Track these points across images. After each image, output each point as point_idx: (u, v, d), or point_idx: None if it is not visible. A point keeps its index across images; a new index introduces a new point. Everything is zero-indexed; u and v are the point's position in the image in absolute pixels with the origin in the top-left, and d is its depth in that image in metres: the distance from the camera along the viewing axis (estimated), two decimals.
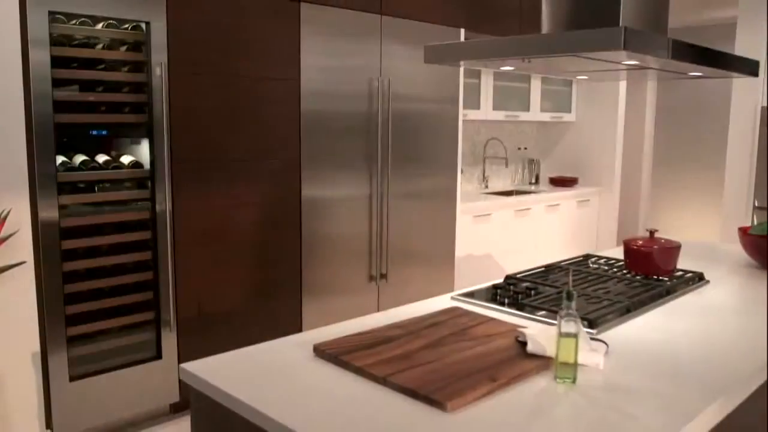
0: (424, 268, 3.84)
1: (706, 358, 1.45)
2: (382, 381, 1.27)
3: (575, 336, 1.29)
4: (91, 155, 2.65)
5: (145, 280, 2.75)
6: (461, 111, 3.96)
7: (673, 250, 2.11)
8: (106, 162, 2.65)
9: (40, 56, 2.36)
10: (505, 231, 4.47)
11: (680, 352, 1.48)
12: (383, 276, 3.61)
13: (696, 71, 1.95)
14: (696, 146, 6.26)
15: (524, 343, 1.45)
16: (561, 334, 1.29)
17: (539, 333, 1.45)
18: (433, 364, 1.34)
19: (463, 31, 3.89)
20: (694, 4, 5.46)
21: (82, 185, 2.61)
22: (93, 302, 2.61)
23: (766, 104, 3.91)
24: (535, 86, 5.05)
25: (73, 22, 2.49)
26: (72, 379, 2.55)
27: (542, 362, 1.36)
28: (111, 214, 2.65)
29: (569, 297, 1.28)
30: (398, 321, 1.64)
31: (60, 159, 2.54)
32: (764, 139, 3.88)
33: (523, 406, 1.20)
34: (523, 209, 4.59)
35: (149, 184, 2.73)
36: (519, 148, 5.47)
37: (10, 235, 2.33)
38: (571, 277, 1.41)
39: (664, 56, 1.40)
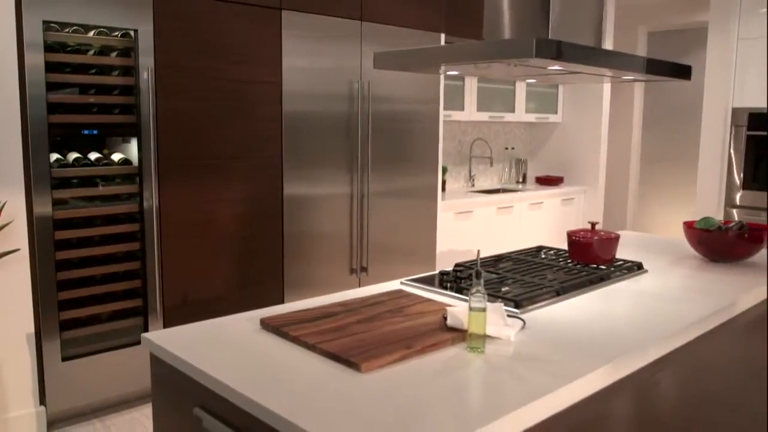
0: (405, 262, 4.02)
1: (611, 333, 1.62)
2: (312, 347, 1.46)
3: (483, 310, 1.46)
4: (84, 153, 2.86)
5: (133, 270, 2.96)
6: (441, 112, 4.14)
7: (611, 240, 2.28)
8: (97, 159, 2.86)
9: (35, 62, 2.58)
10: (486, 228, 4.64)
11: (591, 329, 1.65)
12: (364, 269, 3.80)
13: (628, 75, 2.12)
14: (682, 145, 6.38)
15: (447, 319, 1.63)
16: (471, 309, 1.47)
17: (463, 310, 1.62)
18: (362, 335, 1.53)
19: (443, 35, 4.07)
20: (669, 10, 5.60)
21: (75, 180, 2.83)
22: (84, 289, 2.82)
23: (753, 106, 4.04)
24: (521, 88, 5.21)
25: (67, 30, 2.70)
26: (64, 359, 2.76)
27: (459, 335, 1.54)
28: (101, 207, 2.86)
29: (478, 276, 1.46)
30: (344, 300, 1.83)
31: (54, 156, 2.75)
32: (741, 139, 4.03)
33: (431, 369, 1.38)
34: (505, 207, 4.76)
35: (137, 179, 2.93)
36: (506, 148, 5.63)
37: (6, 225, 2.54)
38: (479, 258, 1.58)
39: (550, 56, 1.57)
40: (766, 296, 2.05)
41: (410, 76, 3.91)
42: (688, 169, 6.41)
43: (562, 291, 1.96)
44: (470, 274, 2.14)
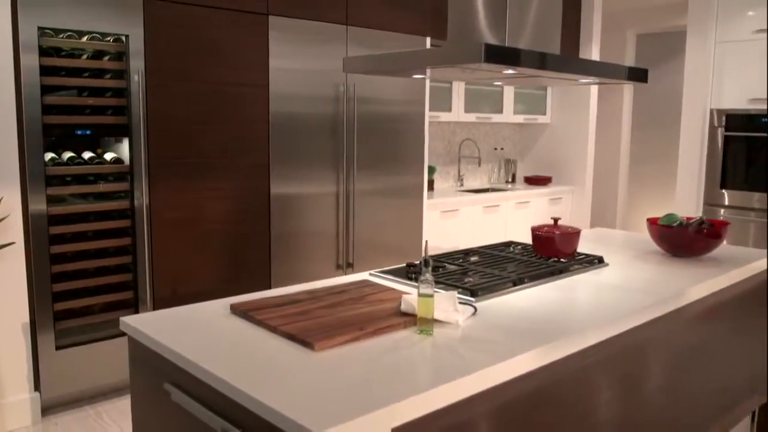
0: (391, 259, 4.15)
1: (556, 319, 1.74)
2: (274, 329, 1.59)
3: (431, 296, 1.59)
4: (79, 152, 3.01)
5: (124, 263, 3.10)
6: (427, 113, 4.26)
7: (572, 235, 2.40)
8: (91, 158, 3.00)
9: (30, 66, 2.72)
10: (472, 226, 4.76)
11: (538, 316, 1.78)
12: (350, 265, 3.93)
13: (585, 78, 2.24)
14: (671, 146, 6.49)
15: None
16: (420, 295, 1.59)
17: (416, 297, 1.75)
18: (321, 319, 1.66)
19: (429, 39, 4.20)
20: (657, 13, 5.72)
21: (69, 178, 2.97)
22: (78, 281, 2.96)
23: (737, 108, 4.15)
24: (509, 89, 5.33)
25: (61, 35, 2.85)
26: (58, 348, 2.90)
27: (411, 319, 1.67)
28: (95, 203, 3.00)
29: (426, 264, 1.59)
30: (312, 289, 1.96)
31: (50, 155, 2.90)
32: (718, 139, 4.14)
33: (380, 348, 1.50)
34: (491, 206, 4.88)
35: (129, 177, 3.08)
36: (495, 149, 5.76)
37: (2, 220, 2.68)
38: (427, 248, 1.71)
39: (478, 60, 1.70)
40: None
41: (396, 78, 4.04)
42: (676, 169, 6.51)
43: (518, 281, 2.08)
44: (435, 266, 2.26)
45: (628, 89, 6.39)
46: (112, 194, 3.08)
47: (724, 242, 2.53)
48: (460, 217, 4.66)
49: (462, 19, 2.14)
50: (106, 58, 2.99)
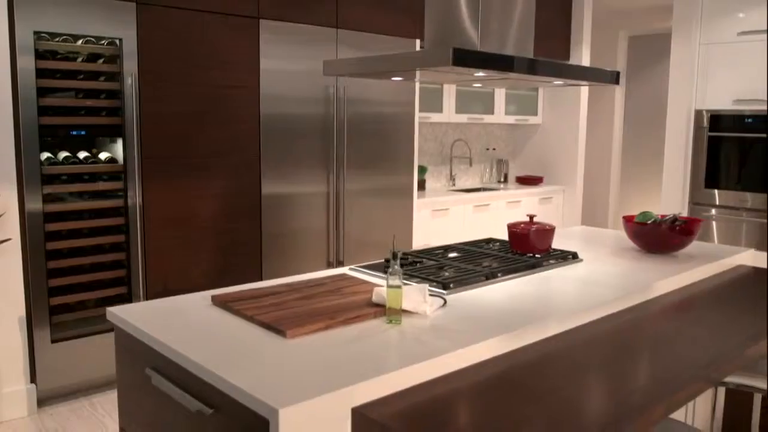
0: (381, 256, 4.24)
1: (519, 311, 1.83)
2: (250, 318, 1.68)
3: (399, 288, 1.68)
4: (75, 152, 3.11)
5: (118, 260, 3.19)
6: (417, 114, 4.35)
7: (547, 231, 2.49)
8: (85, 158, 3.10)
9: (27, 68, 2.82)
10: (462, 225, 4.84)
11: (506, 307, 1.86)
12: (340, 263, 4.02)
13: (556, 80, 2.33)
14: (662, 145, 6.56)
15: None
16: (388, 287, 1.68)
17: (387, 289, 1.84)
18: (296, 309, 1.75)
19: (418, 41, 4.29)
20: (648, 15, 5.79)
21: (64, 177, 3.07)
22: (73, 277, 3.06)
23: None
24: (500, 90, 5.42)
25: (57, 39, 2.95)
26: (54, 341, 3.00)
27: (382, 309, 1.76)
28: (89, 201, 3.10)
29: (394, 257, 1.68)
30: (291, 282, 2.05)
31: (46, 155, 3.00)
32: (702, 140, 4.21)
33: (349, 336, 1.59)
34: (481, 205, 4.96)
35: (122, 177, 3.17)
36: (487, 149, 5.84)
37: None
38: (394, 241, 1.80)
39: (447, 63, 1.79)
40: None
41: (386, 80, 4.13)
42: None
43: (491, 276, 2.17)
44: (411, 261, 2.35)
45: (620, 90, 6.46)
46: (106, 193, 3.17)
47: (696, 240, 2.61)
48: (450, 216, 4.74)
49: (440, 22, 2.23)
50: (101, 60, 3.09)
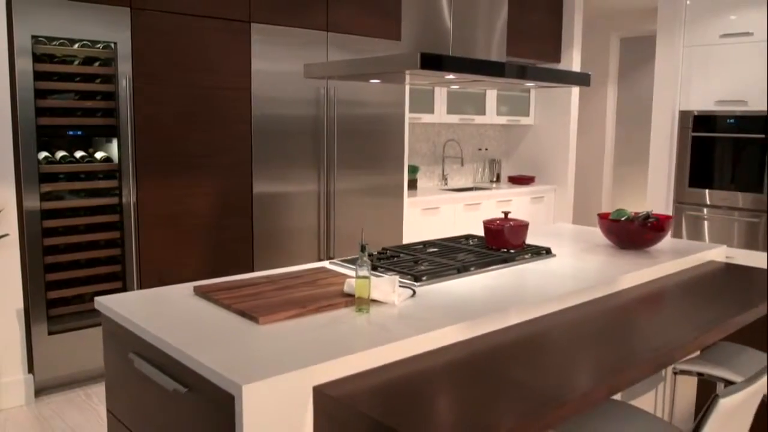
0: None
1: (484, 301, 1.93)
2: (227, 307, 1.79)
3: (367, 278, 1.78)
4: (72, 151, 3.23)
5: (114, 255, 3.31)
6: (407, 115, 4.46)
7: (520, 227, 2.59)
8: (82, 157, 3.22)
9: (25, 71, 2.94)
10: (453, 223, 4.95)
11: (472, 298, 1.97)
12: (330, 258, 4.13)
13: (528, 82, 2.43)
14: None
15: None
16: (357, 277, 1.79)
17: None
18: (272, 299, 1.85)
19: None
20: (639, 18, 5.89)
21: (61, 176, 3.18)
22: (69, 272, 3.17)
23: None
24: (491, 92, 5.52)
25: (54, 43, 3.07)
26: (50, 333, 3.12)
27: (353, 299, 1.86)
28: (85, 199, 3.22)
29: (363, 249, 1.78)
30: (270, 274, 2.15)
31: (44, 154, 3.12)
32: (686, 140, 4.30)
33: (318, 323, 1.70)
34: (472, 204, 5.06)
35: (117, 175, 3.29)
36: (480, 149, 5.94)
37: None
38: (363, 234, 1.90)
39: (414, 66, 1.89)
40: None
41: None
42: None
43: (463, 269, 2.27)
44: (389, 255, 2.46)
45: (612, 90, 6.55)
46: (102, 191, 3.29)
47: (669, 236, 2.70)
48: (440, 215, 4.84)
49: (415, 26, 2.34)
50: (96, 63, 3.21)
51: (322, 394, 1.39)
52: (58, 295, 3.14)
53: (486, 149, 6.01)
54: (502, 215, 5.15)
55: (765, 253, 3.23)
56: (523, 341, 1.73)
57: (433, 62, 1.93)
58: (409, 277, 2.15)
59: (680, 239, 3.13)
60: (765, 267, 2.73)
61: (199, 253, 3.53)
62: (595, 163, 6.69)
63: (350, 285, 1.91)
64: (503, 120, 5.67)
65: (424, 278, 2.14)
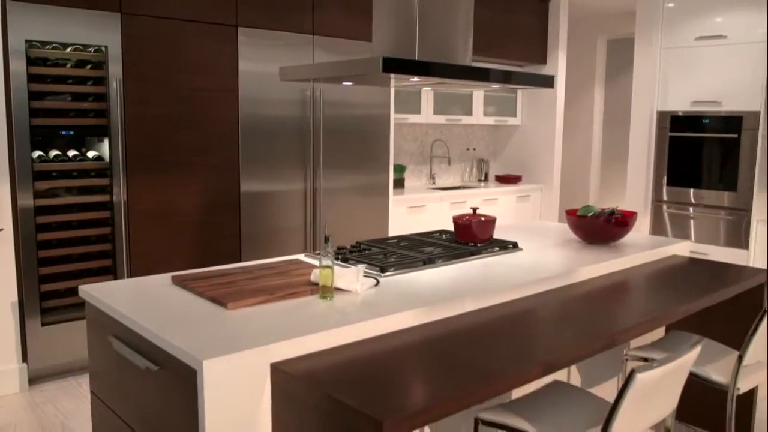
0: None
1: (441, 290, 2.06)
2: (200, 294, 1.92)
3: (330, 268, 1.91)
4: (64, 150, 3.36)
5: (105, 250, 3.45)
6: (393, 116, 4.59)
7: (488, 222, 2.71)
8: (74, 156, 3.36)
9: (19, 74, 3.08)
10: (438, 221, 5.07)
11: (431, 287, 2.09)
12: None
13: (493, 84, 2.56)
14: None
15: None
16: (321, 267, 1.92)
17: None
18: (243, 287, 1.98)
19: None
20: (625, 20, 6.01)
21: (55, 174, 3.32)
22: (62, 266, 3.31)
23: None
24: (478, 92, 5.64)
25: (47, 47, 3.21)
26: (44, 325, 3.26)
27: (318, 287, 1.99)
28: (78, 196, 3.36)
29: (326, 241, 1.91)
30: (246, 265, 2.29)
31: (38, 153, 3.26)
32: (663, 140, 4.42)
33: (283, 308, 1.83)
34: (458, 202, 5.19)
35: (108, 173, 3.43)
36: (468, 149, 6.07)
37: None
38: (326, 227, 2.03)
39: (377, 70, 2.02)
40: None
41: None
42: None
43: (428, 261, 2.40)
44: (362, 249, 2.59)
45: (599, 91, 6.67)
46: (93, 188, 3.43)
47: (632, 231, 2.82)
48: (426, 213, 4.97)
49: (383, 31, 2.47)
50: (88, 66, 3.35)
51: (279, 371, 1.52)
52: (51, 288, 3.28)
53: (474, 149, 6.14)
54: (487, 212, 5.28)
55: (728, 249, 3.34)
56: (476, 326, 1.85)
57: (395, 66, 2.06)
58: (376, 268, 2.28)
59: (657, 236, 3.25)
60: (730, 262, 2.86)
61: (187, 249, 3.67)
62: (583, 162, 6.81)
63: (316, 274, 2.04)
64: (490, 120, 5.80)
65: (389, 269, 2.27)
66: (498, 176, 6.02)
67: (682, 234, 4.44)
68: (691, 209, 4.41)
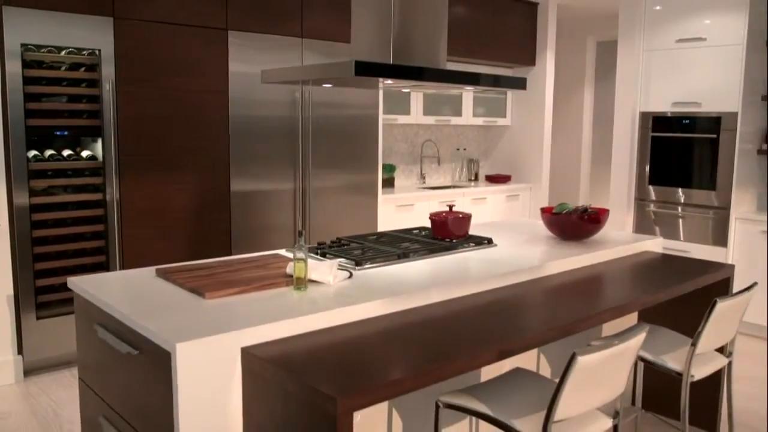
0: None
1: (409, 281, 2.17)
2: (181, 285, 2.03)
3: (303, 260, 2.03)
4: (59, 150, 3.48)
5: (98, 247, 3.57)
6: (381, 116, 4.70)
7: (463, 219, 2.82)
8: (69, 155, 3.47)
9: (15, 77, 3.20)
10: (426, 219, 5.18)
11: (403, 280, 2.20)
12: None
13: (464, 88, 2.67)
14: None
15: None
16: (295, 260, 2.03)
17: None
18: (222, 279, 2.09)
19: None
20: (615, 22, 6.11)
21: (50, 173, 3.44)
22: (57, 261, 3.43)
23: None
24: (467, 94, 5.75)
25: (42, 50, 3.33)
26: (39, 318, 3.38)
27: (293, 279, 2.10)
28: (72, 194, 3.47)
29: (300, 235, 2.02)
30: (228, 259, 2.40)
31: (33, 152, 3.38)
32: (646, 140, 4.52)
33: (258, 298, 1.94)
34: (446, 201, 5.30)
35: (102, 172, 3.55)
36: (458, 149, 6.18)
37: None
38: (300, 221, 2.14)
39: (348, 73, 2.12)
40: None
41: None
42: None
43: (403, 255, 2.51)
44: (342, 244, 2.70)
45: (588, 92, 6.77)
46: (87, 187, 3.55)
47: (603, 228, 2.92)
48: (415, 212, 5.08)
49: (360, 36, 2.58)
50: (82, 69, 3.47)
51: (248, 354, 1.63)
52: (46, 283, 3.40)
53: (464, 149, 6.25)
54: (476, 211, 5.39)
55: (692, 245, 3.43)
56: (441, 315, 1.96)
57: (367, 70, 2.17)
58: (351, 262, 2.39)
59: (632, 233, 3.36)
60: (709, 259, 2.96)
61: (178, 247, 3.79)
62: (573, 161, 6.91)
63: (291, 267, 2.15)
64: (480, 121, 5.90)
65: (364, 263, 2.38)
66: (488, 176, 6.13)
67: (665, 232, 4.54)
68: (673, 208, 4.51)
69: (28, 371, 3.41)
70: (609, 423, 1.75)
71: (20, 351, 3.34)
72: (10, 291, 3.28)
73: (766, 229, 4.01)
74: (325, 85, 2.68)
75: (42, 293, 3.40)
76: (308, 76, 2.30)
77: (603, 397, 1.68)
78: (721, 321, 2.11)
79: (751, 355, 3.89)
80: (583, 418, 1.71)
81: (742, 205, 4.30)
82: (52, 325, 3.41)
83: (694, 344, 2.07)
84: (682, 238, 4.48)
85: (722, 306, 2.05)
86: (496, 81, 2.64)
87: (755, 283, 2.23)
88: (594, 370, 1.57)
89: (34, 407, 3.03)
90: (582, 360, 1.52)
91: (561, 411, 1.56)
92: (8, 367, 3.29)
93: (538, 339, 1.83)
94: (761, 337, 4.20)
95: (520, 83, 2.76)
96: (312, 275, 2.12)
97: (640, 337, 1.68)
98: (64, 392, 3.19)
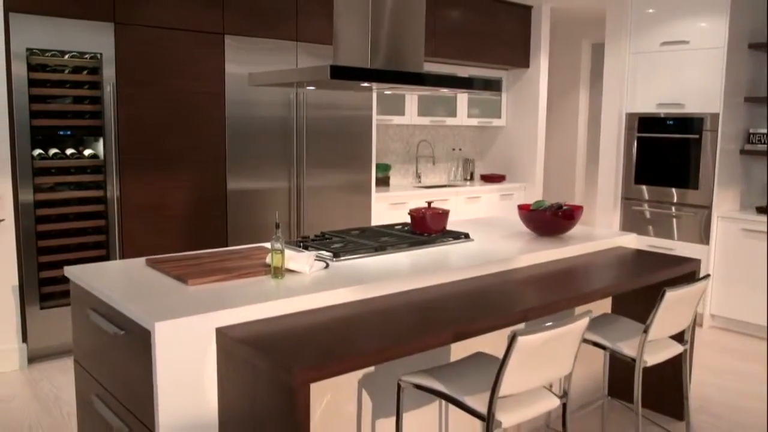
0: None
1: (382, 272, 2.31)
2: (167, 273, 2.19)
3: (281, 251, 2.18)
4: (62, 149, 3.67)
5: (99, 241, 3.75)
6: (375, 117, 4.85)
7: (440, 215, 2.96)
8: (72, 154, 3.66)
9: (20, 79, 3.38)
10: None
11: (376, 271, 2.35)
12: None
13: (444, 89, 2.81)
14: None
15: None
16: (272, 250, 2.18)
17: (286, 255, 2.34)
18: (206, 267, 2.25)
19: None
20: (604, 26, 6.20)
21: (53, 170, 3.62)
22: (60, 254, 3.61)
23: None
24: (462, 94, 5.89)
25: (47, 54, 3.51)
26: (42, 308, 3.56)
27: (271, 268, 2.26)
28: (75, 191, 3.65)
29: (277, 227, 2.18)
30: (216, 251, 2.56)
31: (38, 151, 3.56)
32: (632, 141, 4.64)
33: (237, 285, 2.10)
34: (440, 199, 5.44)
35: (103, 170, 3.72)
36: (454, 149, 6.31)
37: None
38: (277, 214, 2.29)
39: (326, 77, 2.27)
40: None
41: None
42: None
43: (379, 248, 2.66)
44: (324, 238, 2.85)
45: (584, 93, 6.89)
46: (89, 184, 3.72)
47: (577, 224, 3.03)
48: (408, 209, 5.22)
49: (340, 40, 2.73)
50: (84, 72, 3.65)
51: (222, 334, 1.79)
52: (50, 274, 3.58)
53: (460, 149, 6.38)
54: (469, 209, 5.52)
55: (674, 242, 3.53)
56: (407, 302, 2.11)
57: (343, 73, 2.32)
58: (330, 253, 2.54)
59: (608, 230, 3.48)
60: (690, 256, 3.08)
61: (176, 242, 3.96)
62: (568, 161, 7.02)
63: (270, 257, 2.30)
64: (474, 122, 6.04)
65: (342, 255, 2.53)
66: (483, 175, 6.26)
67: (651, 230, 4.65)
68: (658, 207, 4.62)
69: (32, 358, 3.59)
70: (556, 402, 1.89)
71: (24, 339, 3.53)
72: (16, 282, 3.46)
73: (765, 230, 4.11)
74: (308, 88, 2.83)
75: (45, 285, 3.59)
76: (291, 78, 2.46)
77: (548, 377, 1.81)
78: (673, 309, 2.24)
79: (710, 345, 4.00)
80: (529, 396, 1.85)
81: (723, 204, 4.41)
82: (54, 315, 3.59)
83: (645, 331, 2.20)
84: (667, 236, 4.59)
85: (672, 295, 2.18)
86: (469, 83, 2.78)
87: (708, 275, 2.36)
88: (536, 350, 1.71)
89: (36, 392, 3.20)
90: (522, 340, 1.66)
91: (505, 387, 1.70)
92: (13, 354, 3.48)
93: (493, 323, 1.97)
94: (742, 332, 4.31)
95: (494, 85, 2.90)
96: (289, 265, 2.28)
97: (582, 323, 1.82)
98: (64, 378, 3.37)
